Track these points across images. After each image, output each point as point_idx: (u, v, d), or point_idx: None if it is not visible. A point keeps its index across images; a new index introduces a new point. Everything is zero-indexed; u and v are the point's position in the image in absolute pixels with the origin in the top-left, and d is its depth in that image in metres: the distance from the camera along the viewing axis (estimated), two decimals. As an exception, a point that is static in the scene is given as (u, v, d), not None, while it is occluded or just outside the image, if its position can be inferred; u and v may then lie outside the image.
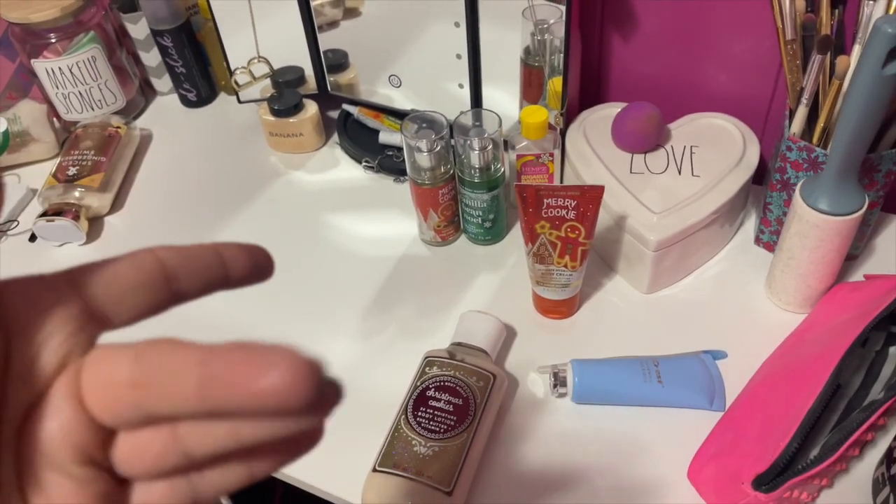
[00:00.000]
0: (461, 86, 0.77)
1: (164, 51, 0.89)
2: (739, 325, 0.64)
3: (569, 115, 0.74)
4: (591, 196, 0.58)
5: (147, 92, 0.97)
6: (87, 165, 0.80)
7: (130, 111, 0.93)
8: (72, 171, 0.80)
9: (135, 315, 0.22)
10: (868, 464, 0.54)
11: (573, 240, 0.60)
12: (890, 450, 0.49)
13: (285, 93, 0.84)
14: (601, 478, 0.55)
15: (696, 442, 0.56)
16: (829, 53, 0.57)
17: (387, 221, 0.77)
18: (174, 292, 0.22)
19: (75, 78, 0.86)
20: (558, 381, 0.59)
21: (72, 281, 0.21)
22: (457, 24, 0.72)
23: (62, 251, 0.78)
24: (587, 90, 0.79)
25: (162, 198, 0.83)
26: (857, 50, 0.58)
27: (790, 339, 0.61)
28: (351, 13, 0.82)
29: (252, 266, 0.24)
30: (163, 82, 0.96)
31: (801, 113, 0.60)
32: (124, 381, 0.19)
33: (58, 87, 0.86)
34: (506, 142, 0.72)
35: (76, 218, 0.76)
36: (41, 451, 0.19)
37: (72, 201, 0.78)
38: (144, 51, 0.92)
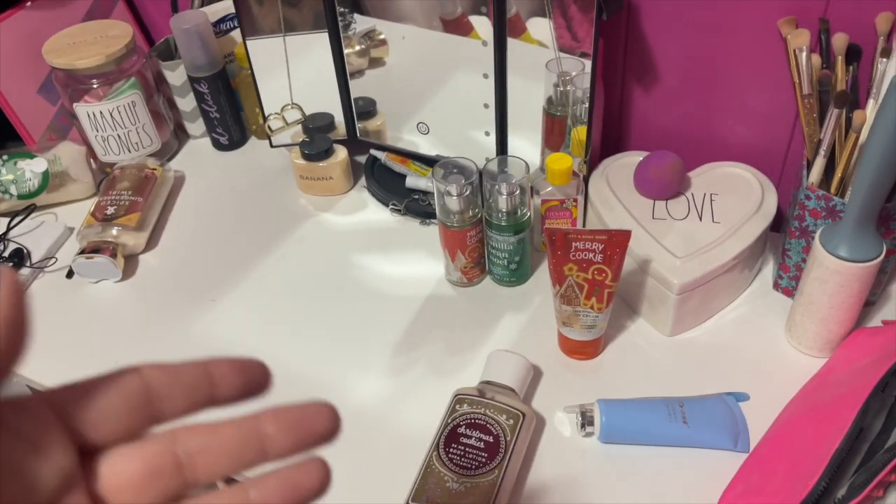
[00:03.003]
0: (487, 133, 0.80)
1: (199, 96, 0.93)
2: (760, 367, 0.66)
3: (592, 163, 0.77)
4: (618, 240, 0.60)
5: (180, 135, 1.01)
6: (125, 205, 0.83)
7: (164, 153, 0.96)
8: (110, 210, 0.82)
9: (111, 440, 0.22)
10: (892, 505, 0.55)
11: (600, 282, 0.62)
12: (914, 491, 0.50)
13: (317, 138, 0.87)
14: (629, 516, 0.56)
15: (721, 482, 0.57)
16: (845, 108, 0.60)
17: (413, 262, 0.80)
18: (154, 416, 0.22)
19: (115, 122, 0.89)
20: (586, 420, 0.61)
21: (53, 405, 0.21)
22: (485, 76, 0.75)
23: (98, 287, 0.80)
24: (608, 139, 0.83)
25: (194, 237, 0.86)
26: (871, 104, 0.61)
27: (812, 382, 0.62)
28: (376, 63, 0.86)
29: (244, 385, 0.24)
30: (196, 126, 0.99)
31: (819, 164, 0.63)
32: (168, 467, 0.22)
33: (97, 130, 0.90)
34: (531, 187, 0.75)
35: (113, 255, 0.79)
36: None
37: (109, 239, 0.80)
38: (180, 96, 0.96)
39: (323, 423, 0.24)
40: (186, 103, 0.96)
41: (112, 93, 0.88)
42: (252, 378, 0.24)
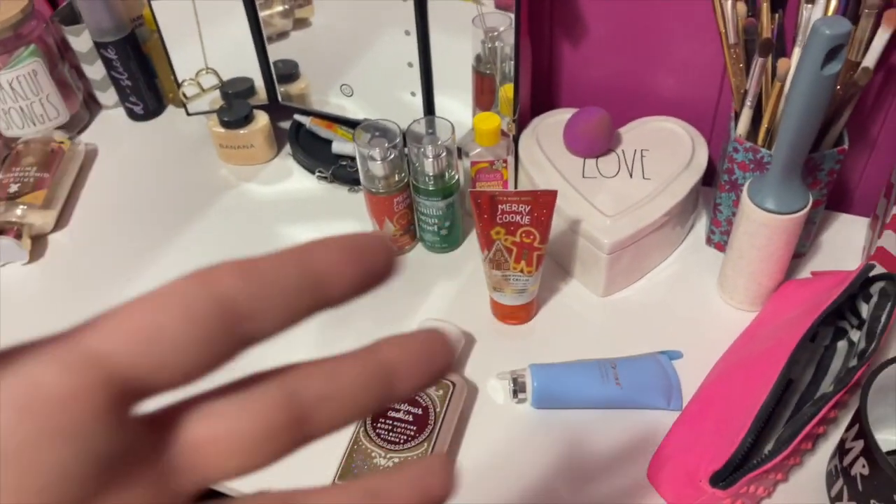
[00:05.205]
0: (413, 94, 0.77)
1: (108, 63, 0.87)
2: (694, 324, 0.65)
3: (521, 122, 0.74)
4: (544, 201, 0.58)
5: (92, 106, 0.95)
6: (30, 182, 0.78)
7: (74, 126, 0.90)
8: (13, 188, 0.77)
9: (185, 378, 0.16)
10: (821, 457, 0.55)
11: (528, 245, 0.60)
12: (841, 442, 0.50)
13: (235, 104, 0.82)
14: (562, 482, 0.55)
15: (655, 442, 0.56)
16: (770, 56, 0.59)
17: (342, 232, 0.76)
18: (243, 338, 0.16)
19: (15, 93, 0.83)
20: (517, 386, 0.59)
21: (89, 356, 0.15)
22: (407, 33, 0.72)
23: (3, 271, 0.75)
24: (539, 96, 0.80)
25: (109, 214, 0.81)
26: (797, 52, 0.60)
27: (742, 337, 0.62)
28: (301, 24, 0.81)
29: (360, 278, 0.17)
30: (108, 96, 0.93)
31: (746, 115, 0.62)
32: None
33: (-3, 102, 0.84)
34: (459, 149, 0.72)
35: (18, 236, 0.74)
36: None
37: (13, 219, 0.75)
38: (88, 64, 0.90)
39: (443, 355, 0.19)
40: (95, 71, 0.90)
41: (11, 62, 0.82)
42: (370, 268, 0.18)
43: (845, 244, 0.71)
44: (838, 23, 0.47)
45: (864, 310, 0.57)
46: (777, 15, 0.61)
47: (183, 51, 0.82)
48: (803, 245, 0.69)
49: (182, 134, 0.90)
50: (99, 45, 0.86)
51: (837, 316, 0.60)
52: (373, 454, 0.53)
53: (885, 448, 0.46)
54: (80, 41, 0.87)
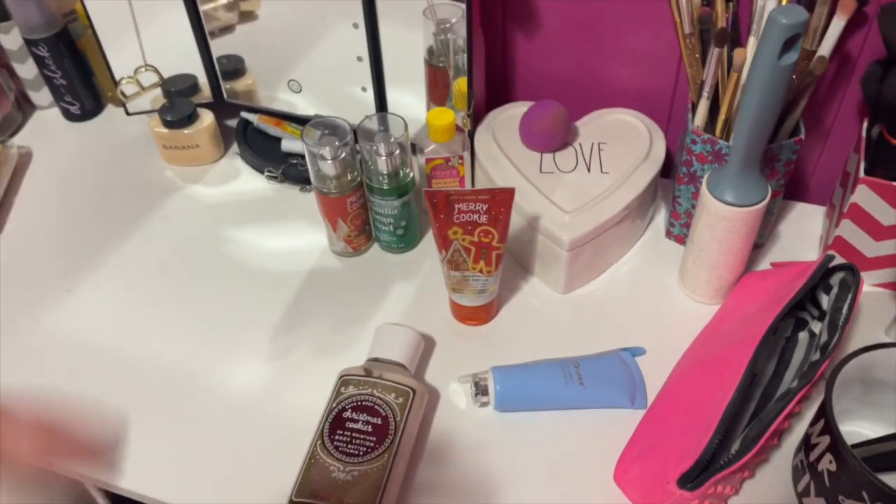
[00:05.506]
0: (364, 89, 0.74)
1: (40, 61, 0.82)
2: (656, 319, 0.64)
3: (477, 116, 0.72)
4: (501, 199, 0.56)
5: (25, 107, 0.90)
6: (-43, 190, 0.73)
7: (6, 128, 0.85)
8: (-61, 196, 0.72)
9: None
10: (786, 451, 0.54)
11: (487, 244, 0.58)
12: (807, 437, 0.49)
13: (177, 102, 0.79)
14: (528, 487, 0.54)
15: (621, 442, 0.55)
16: (725, 46, 0.58)
17: (294, 234, 0.74)
18: None
19: (-61, 94, 0.78)
20: (480, 389, 0.58)
21: None
22: (355, 26, 0.69)
23: (-68, 286, 0.70)
24: (494, 90, 0.78)
25: (46, 221, 0.77)
26: (752, 42, 0.59)
27: (704, 332, 0.61)
28: (247, 17, 0.78)
29: None
30: (42, 95, 0.88)
31: (703, 106, 0.61)
32: None
33: (-81, 105, 0.78)
34: (414, 146, 0.70)
35: (-54, 248, 0.69)
36: None
37: (-60, 230, 0.70)
38: (19, 62, 0.85)
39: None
40: (27, 69, 0.85)
41: (-68, 61, 0.77)
42: None
43: (802, 233, 0.71)
44: (795, 12, 0.46)
45: (825, 301, 0.57)
46: (731, 4, 0.61)
47: (120, 47, 0.78)
48: (761, 236, 0.68)
49: (123, 135, 0.86)
50: (29, 43, 0.81)
51: (798, 307, 0.60)
52: (331, 468, 0.51)
53: (850, 440, 0.46)
54: (10, 39, 0.83)
